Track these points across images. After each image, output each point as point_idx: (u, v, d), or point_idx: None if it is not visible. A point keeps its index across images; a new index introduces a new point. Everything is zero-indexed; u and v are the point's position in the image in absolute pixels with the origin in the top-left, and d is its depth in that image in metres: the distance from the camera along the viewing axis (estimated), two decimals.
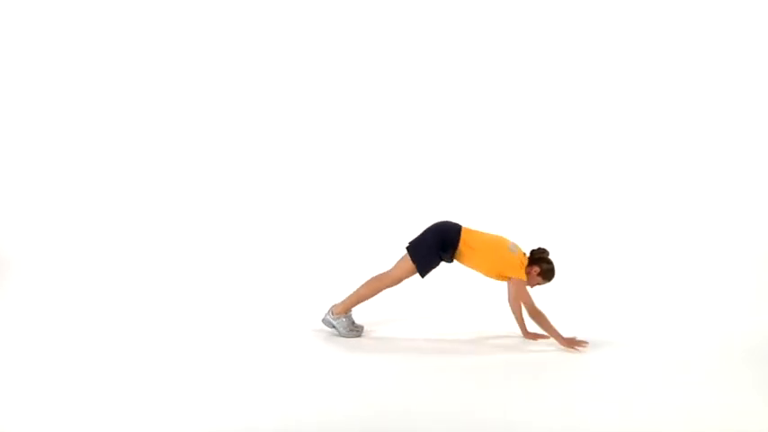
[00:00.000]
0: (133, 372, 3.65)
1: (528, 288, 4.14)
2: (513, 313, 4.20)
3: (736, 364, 3.88)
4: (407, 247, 4.21)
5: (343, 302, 4.29)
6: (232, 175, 6.47)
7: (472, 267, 4.24)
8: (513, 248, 4.19)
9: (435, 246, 4.16)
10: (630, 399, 3.38)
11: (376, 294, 4.28)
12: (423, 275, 4.19)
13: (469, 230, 4.22)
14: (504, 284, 4.23)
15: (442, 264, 4.24)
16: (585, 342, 4.01)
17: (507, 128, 6.43)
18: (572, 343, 4.02)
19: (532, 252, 4.22)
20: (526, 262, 4.17)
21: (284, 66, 6.50)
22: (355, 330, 4.30)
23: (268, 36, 6.47)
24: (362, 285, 4.30)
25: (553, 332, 4.05)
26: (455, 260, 4.23)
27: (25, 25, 6.34)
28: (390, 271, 4.25)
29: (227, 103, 6.51)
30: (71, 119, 6.43)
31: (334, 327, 4.29)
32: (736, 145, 6.23)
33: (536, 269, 4.15)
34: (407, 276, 4.22)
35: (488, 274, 4.21)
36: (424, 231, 4.26)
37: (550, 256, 4.20)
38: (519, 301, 4.12)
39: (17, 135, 6.40)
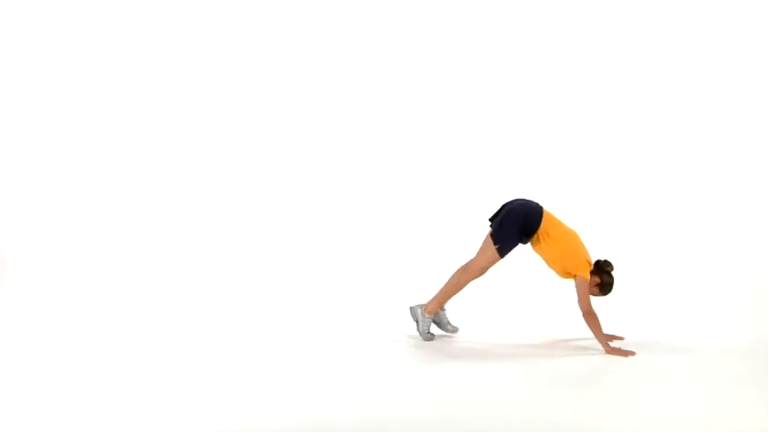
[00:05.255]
0: (133, 372, 3.64)
1: None
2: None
3: (739, 365, 3.88)
4: (492, 233, 4.14)
5: (433, 300, 4.27)
6: (233, 174, 6.46)
7: (542, 255, 4.19)
8: (585, 248, 4.18)
9: (518, 228, 4.11)
10: (636, 401, 3.38)
11: (463, 288, 4.25)
12: (502, 256, 4.13)
13: (550, 216, 4.17)
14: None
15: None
16: (632, 352, 4.01)
17: (510, 129, 6.42)
18: (618, 351, 4.02)
19: (597, 262, 4.18)
20: (592, 265, 4.16)
21: (287, 67, 6.49)
22: (430, 336, 4.27)
23: (270, 38, 6.47)
24: (450, 279, 4.25)
25: (602, 337, 4.05)
26: (529, 244, 4.19)
27: (26, 25, 6.33)
28: (475, 261, 4.19)
29: (228, 103, 6.49)
30: (71, 119, 6.42)
31: (417, 321, 4.28)
32: (738, 146, 6.22)
33: (596, 279, 4.14)
34: (492, 264, 4.16)
35: (555, 267, 4.17)
36: (507, 211, 4.18)
37: (614, 272, 4.17)
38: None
39: (17, 135, 6.39)
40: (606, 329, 4.27)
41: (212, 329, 4.43)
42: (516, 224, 4.11)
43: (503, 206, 4.27)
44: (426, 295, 4.43)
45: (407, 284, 5.53)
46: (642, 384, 3.56)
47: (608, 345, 4.05)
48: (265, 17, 6.46)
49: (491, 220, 4.28)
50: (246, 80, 6.49)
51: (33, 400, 3.28)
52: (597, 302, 4.15)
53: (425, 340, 4.26)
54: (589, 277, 4.10)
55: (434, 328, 4.40)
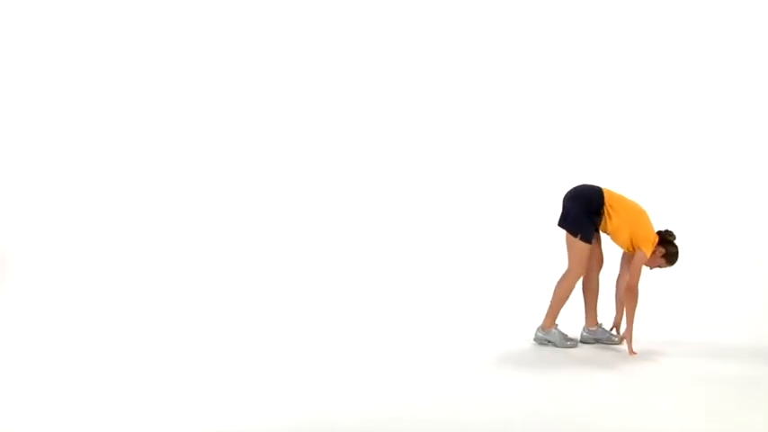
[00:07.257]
0: (133, 372, 3.64)
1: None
2: (618, 292, 4.19)
3: (740, 365, 3.88)
4: (568, 230, 4.12)
5: (546, 316, 4.22)
6: (233, 174, 6.45)
7: (610, 231, 4.14)
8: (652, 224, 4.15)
9: (583, 210, 4.10)
10: (636, 401, 3.38)
11: (571, 292, 4.20)
12: (589, 241, 4.11)
13: (611, 192, 4.17)
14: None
15: None
16: (635, 353, 4.02)
17: (509, 129, 6.42)
18: (629, 344, 4.02)
19: (659, 232, 4.15)
20: (657, 240, 4.12)
21: (286, 67, 6.48)
22: (571, 341, 4.23)
23: (268, 38, 6.46)
24: (555, 294, 4.21)
25: (633, 317, 4.02)
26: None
27: (26, 25, 6.33)
28: (570, 263, 4.15)
29: (228, 104, 6.49)
30: (71, 119, 6.41)
31: (549, 342, 4.22)
32: (739, 146, 6.21)
33: (661, 250, 4.11)
34: (587, 255, 4.12)
35: (623, 237, 4.12)
36: (566, 201, 4.19)
37: (676, 241, 4.15)
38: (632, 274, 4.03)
39: (17, 135, 6.38)
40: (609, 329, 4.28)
41: (214, 329, 4.43)
42: (580, 207, 4.12)
43: (563, 203, 4.25)
44: (430, 297, 4.40)
45: (410, 285, 5.54)
46: (643, 384, 3.56)
47: (632, 327, 4.03)
48: (266, 17, 6.46)
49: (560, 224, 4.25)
50: (249, 80, 6.48)
51: (33, 400, 3.27)
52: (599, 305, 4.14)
53: (572, 347, 4.20)
54: (650, 254, 4.06)
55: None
